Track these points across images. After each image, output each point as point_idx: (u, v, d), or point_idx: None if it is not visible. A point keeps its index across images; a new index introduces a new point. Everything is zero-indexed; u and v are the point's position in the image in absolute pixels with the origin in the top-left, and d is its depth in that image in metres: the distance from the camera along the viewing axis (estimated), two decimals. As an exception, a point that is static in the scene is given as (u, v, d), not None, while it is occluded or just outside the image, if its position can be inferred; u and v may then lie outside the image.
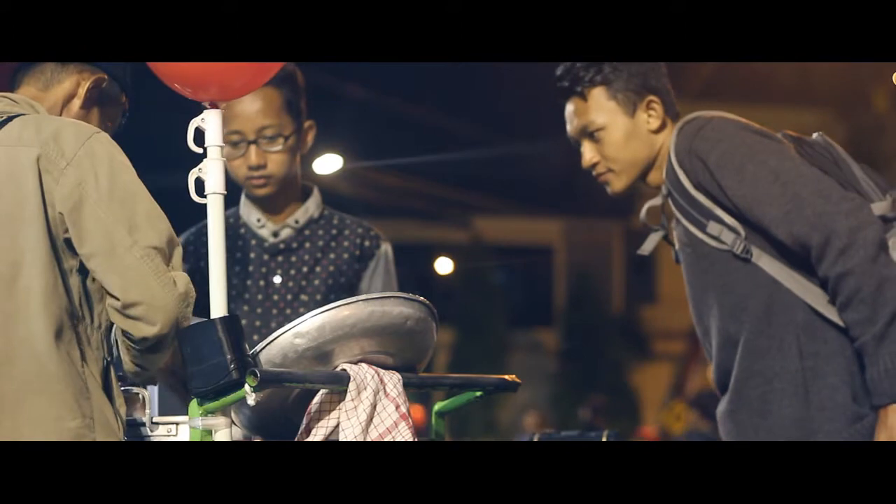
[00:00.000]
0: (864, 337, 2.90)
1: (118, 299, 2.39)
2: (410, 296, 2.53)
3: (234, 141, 3.39)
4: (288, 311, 3.47)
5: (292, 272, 3.51)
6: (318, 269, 3.51)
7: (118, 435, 2.46)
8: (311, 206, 3.56)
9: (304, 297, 3.48)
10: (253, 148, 3.41)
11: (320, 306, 3.42)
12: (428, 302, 2.56)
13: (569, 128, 3.27)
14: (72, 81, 2.66)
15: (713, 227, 3.08)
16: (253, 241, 3.51)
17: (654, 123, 3.21)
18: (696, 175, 3.08)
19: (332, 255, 3.52)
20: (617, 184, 3.24)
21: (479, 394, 2.70)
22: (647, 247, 3.34)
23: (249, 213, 3.54)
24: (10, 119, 2.51)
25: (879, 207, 3.01)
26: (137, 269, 2.39)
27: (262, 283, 3.48)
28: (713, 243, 3.08)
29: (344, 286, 3.50)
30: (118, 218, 2.41)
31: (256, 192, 3.47)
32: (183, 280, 2.43)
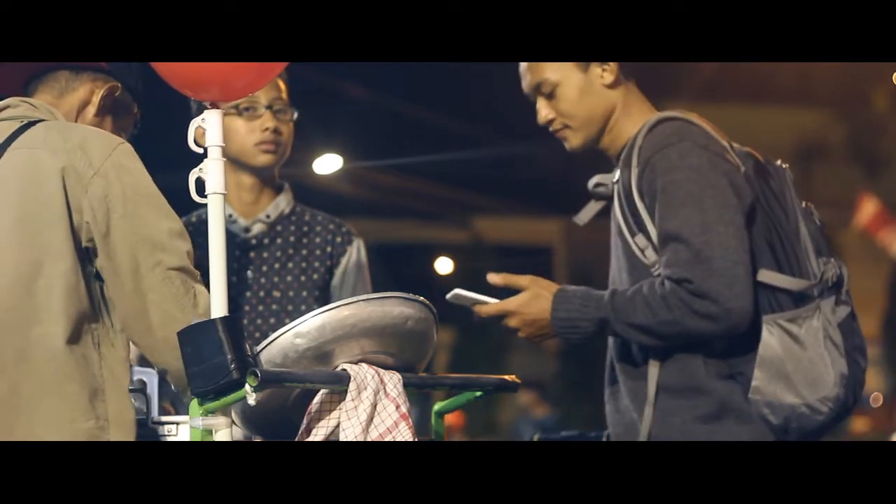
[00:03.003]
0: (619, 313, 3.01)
1: (133, 329, 2.46)
2: (410, 296, 2.53)
3: (246, 107, 3.44)
4: (260, 307, 3.47)
5: (264, 268, 3.50)
6: (290, 265, 3.50)
7: (137, 435, 2.48)
8: (282, 202, 3.57)
9: (276, 294, 3.47)
10: (268, 112, 3.46)
11: (291, 303, 3.47)
12: (428, 302, 2.56)
13: (522, 84, 3.23)
14: (86, 89, 2.69)
15: (640, 240, 3.06)
16: (226, 237, 3.50)
17: (609, 78, 3.16)
18: (644, 183, 3.04)
19: (303, 252, 3.52)
20: (574, 140, 3.19)
21: (479, 394, 2.70)
22: (584, 216, 3.30)
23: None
24: (31, 124, 2.53)
25: (796, 284, 3.00)
26: (159, 292, 2.43)
27: (234, 278, 3.47)
28: (637, 253, 3.07)
29: (316, 283, 3.49)
30: (142, 236, 2.44)
31: (263, 160, 3.49)
32: (203, 299, 2.46)
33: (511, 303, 3.10)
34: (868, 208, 11.84)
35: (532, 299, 3.09)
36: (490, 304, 3.12)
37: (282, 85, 3.52)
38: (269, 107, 3.46)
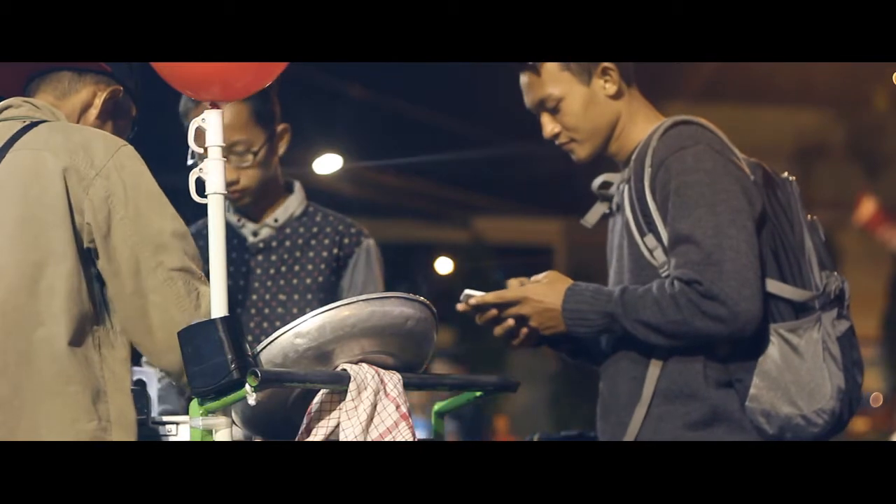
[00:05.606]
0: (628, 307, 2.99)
1: (136, 335, 2.46)
2: (410, 296, 2.53)
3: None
4: (266, 310, 3.46)
5: (272, 271, 3.49)
6: (297, 267, 3.49)
7: (137, 436, 2.48)
8: (293, 204, 3.55)
9: (282, 297, 3.47)
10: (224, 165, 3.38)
11: (300, 305, 3.46)
12: (428, 302, 2.56)
13: (525, 100, 3.24)
14: (88, 91, 2.69)
15: (650, 240, 3.07)
16: (234, 241, 3.50)
17: (611, 89, 3.17)
18: (658, 184, 3.05)
19: (311, 254, 3.51)
20: (581, 152, 3.21)
21: (479, 394, 2.70)
22: (591, 218, 3.30)
23: (230, 213, 3.53)
24: (34, 124, 2.53)
25: (798, 294, 3.01)
26: (160, 293, 2.43)
27: (241, 282, 3.46)
28: (645, 254, 3.08)
29: (324, 284, 3.48)
30: (144, 237, 2.45)
31: (235, 204, 3.48)
32: (206, 300, 2.46)
33: (527, 289, 3.12)
34: (868, 206, 11.86)
35: (548, 289, 3.10)
36: (506, 290, 3.13)
37: (242, 119, 3.36)
38: (224, 158, 3.38)
